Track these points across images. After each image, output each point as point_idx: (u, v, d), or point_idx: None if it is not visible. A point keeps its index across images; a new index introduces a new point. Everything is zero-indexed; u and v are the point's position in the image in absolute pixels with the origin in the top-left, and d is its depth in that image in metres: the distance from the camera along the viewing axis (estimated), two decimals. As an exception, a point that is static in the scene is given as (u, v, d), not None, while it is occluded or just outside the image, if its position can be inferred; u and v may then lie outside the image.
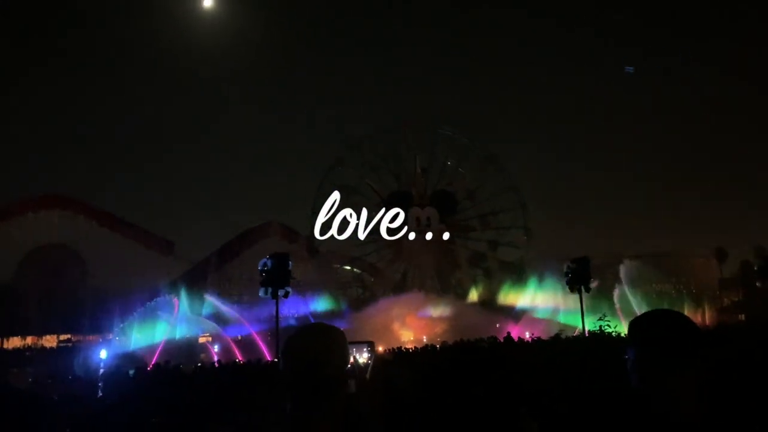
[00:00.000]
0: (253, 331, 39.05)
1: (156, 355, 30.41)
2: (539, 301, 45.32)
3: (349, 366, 1.87)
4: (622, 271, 42.79)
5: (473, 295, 53.74)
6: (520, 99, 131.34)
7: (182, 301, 39.58)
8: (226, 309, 41.83)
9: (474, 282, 57.15)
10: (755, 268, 38.66)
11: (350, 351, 1.92)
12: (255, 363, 17.60)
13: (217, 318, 40.74)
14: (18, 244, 45.46)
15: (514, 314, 45.49)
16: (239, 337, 41.25)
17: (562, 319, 40.27)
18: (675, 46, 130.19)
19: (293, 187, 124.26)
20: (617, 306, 38.93)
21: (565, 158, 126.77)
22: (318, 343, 1.84)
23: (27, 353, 39.54)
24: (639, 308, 39.96)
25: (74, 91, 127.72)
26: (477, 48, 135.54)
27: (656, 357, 1.84)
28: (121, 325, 38.28)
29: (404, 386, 6.73)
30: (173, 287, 39.49)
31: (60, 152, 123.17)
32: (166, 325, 37.26)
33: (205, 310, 41.23)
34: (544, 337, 27.09)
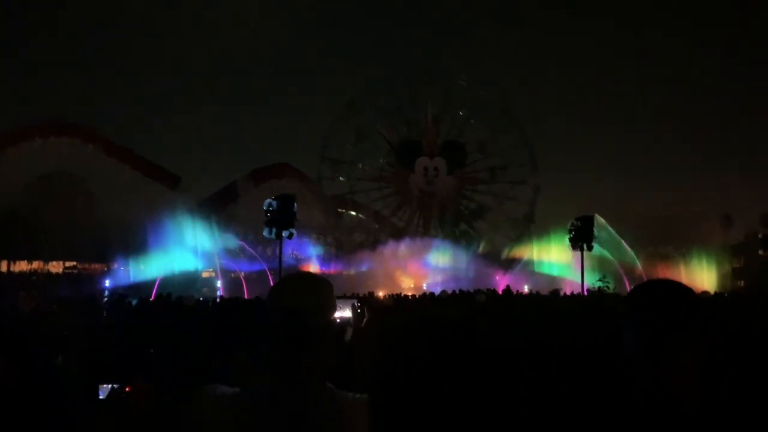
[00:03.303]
0: (266, 267, 39.19)
1: (155, 287, 30.69)
2: (542, 256, 45.62)
3: (338, 320, 1.85)
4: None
5: (476, 247, 54.09)
6: (542, 53, 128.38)
7: (188, 234, 39.80)
8: (234, 244, 42.07)
9: (478, 234, 57.47)
10: (759, 236, 38.71)
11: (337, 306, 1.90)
12: (255, 300, 17.82)
13: (225, 253, 41.00)
14: (25, 169, 45.49)
15: (514, 266, 45.96)
16: (242, 273, 41.73)
17: (562, 273, 40.62)
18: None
19: (303, 130, 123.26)
20: (618, 266, 39.13)
21: (583, 118, 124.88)
22: (304, 291, 1.80)
23: (33, 278, 40.19)
24: (643, 270, 40.25)
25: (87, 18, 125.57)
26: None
27: (655, 332, 1.81)
28: (127, 256, 38.70)
29: (399, 334, 6.82)
30: (179, 221, 39.63)
31: (69, 79, 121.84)
32: (170, 258, 37.61)
33: (212, 244, 41.46)
34: (541, 291, 27.49)
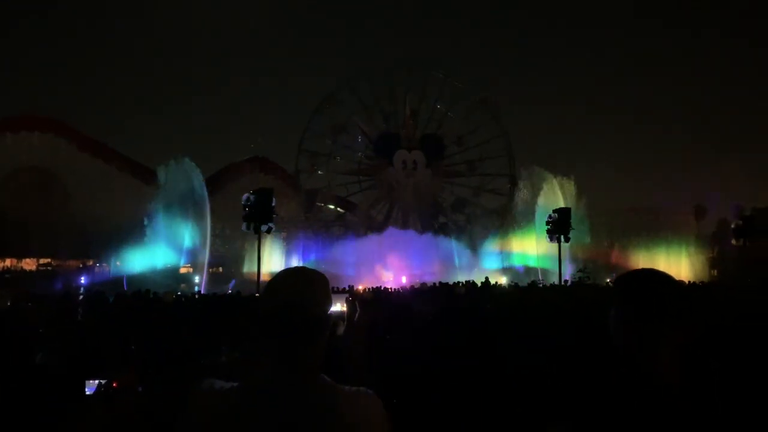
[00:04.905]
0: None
1: (124, 282, 30.15)
2: (519, 248, 46.04)
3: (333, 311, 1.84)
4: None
5: (455, 240, 54.28)
6: (521, 48, 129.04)
7: (164, 230, 39.27)
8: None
9: (456, 227, 57.65)
10: (732, 226, 39.40)
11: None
12: (234, 296, 17.71)
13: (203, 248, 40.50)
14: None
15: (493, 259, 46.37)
16: (220, 269, 41.40)
17: (539, 264, 41.01)
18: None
19: (281, 123, 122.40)
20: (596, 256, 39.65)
21: (561, 109, 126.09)
22: (302, 285, 1.81)
23: (6, 275, 39.43)
24: (617, 259, 40.83)
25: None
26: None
27: (642, 318, 1.81)
28: (103, 252, 38.13)
29: (382, 325, 6.82)
30: (155, 216, 39.08)
31: (42, 72, 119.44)
32: (148, 254, 37.10)
33: (189, 240, 40.94)
34: (519, 283, 27.71)
